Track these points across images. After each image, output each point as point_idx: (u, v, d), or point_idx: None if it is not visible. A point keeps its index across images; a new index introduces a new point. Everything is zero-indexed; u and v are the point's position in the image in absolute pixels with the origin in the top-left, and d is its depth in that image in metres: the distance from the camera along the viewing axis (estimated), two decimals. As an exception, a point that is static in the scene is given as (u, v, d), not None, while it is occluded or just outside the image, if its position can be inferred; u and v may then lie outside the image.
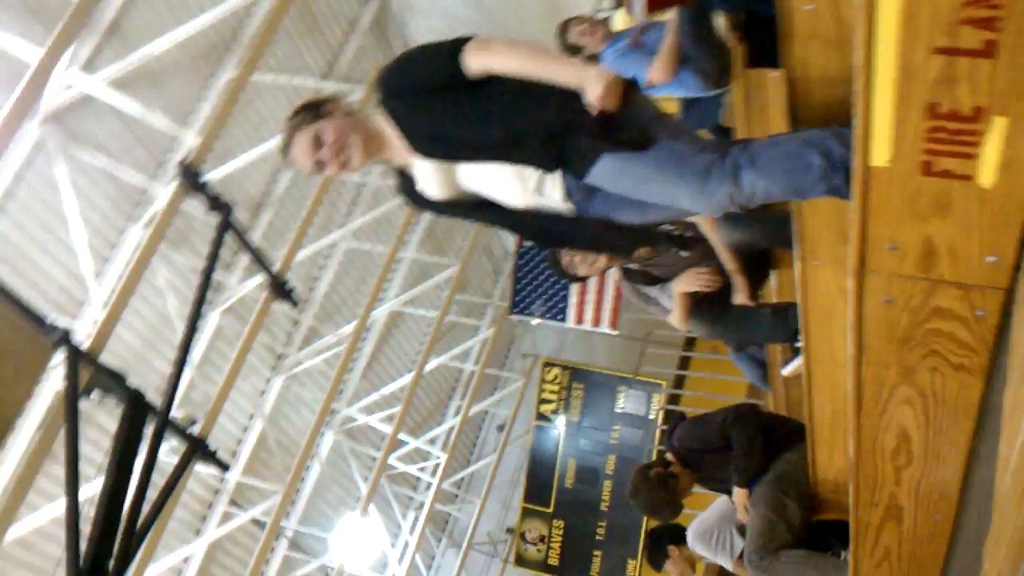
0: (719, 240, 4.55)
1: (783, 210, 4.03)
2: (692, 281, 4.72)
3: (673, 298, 4.88)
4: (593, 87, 2.53)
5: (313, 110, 2.80)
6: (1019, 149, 1.69)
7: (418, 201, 2.94)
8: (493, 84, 2.64)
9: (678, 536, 5.47)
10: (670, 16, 4.69)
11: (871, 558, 3.41)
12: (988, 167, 1.74)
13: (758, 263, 4.76)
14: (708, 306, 4.79)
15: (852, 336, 2.38)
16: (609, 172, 2.61)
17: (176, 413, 6.45)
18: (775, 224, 4.15)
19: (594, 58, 5.24)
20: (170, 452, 7.11)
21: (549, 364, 11.64)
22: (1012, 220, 1.83)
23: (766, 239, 4.41)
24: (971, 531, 2.73)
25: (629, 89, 2.58)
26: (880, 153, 1.80)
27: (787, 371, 4.53)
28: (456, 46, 2.65)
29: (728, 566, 5.23)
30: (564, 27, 5.34)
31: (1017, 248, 1.89)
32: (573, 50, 5.33)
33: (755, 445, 4.59)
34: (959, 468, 2.68)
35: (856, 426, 2.75)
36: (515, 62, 2.61)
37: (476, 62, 2.62)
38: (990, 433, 2.34)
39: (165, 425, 5.95)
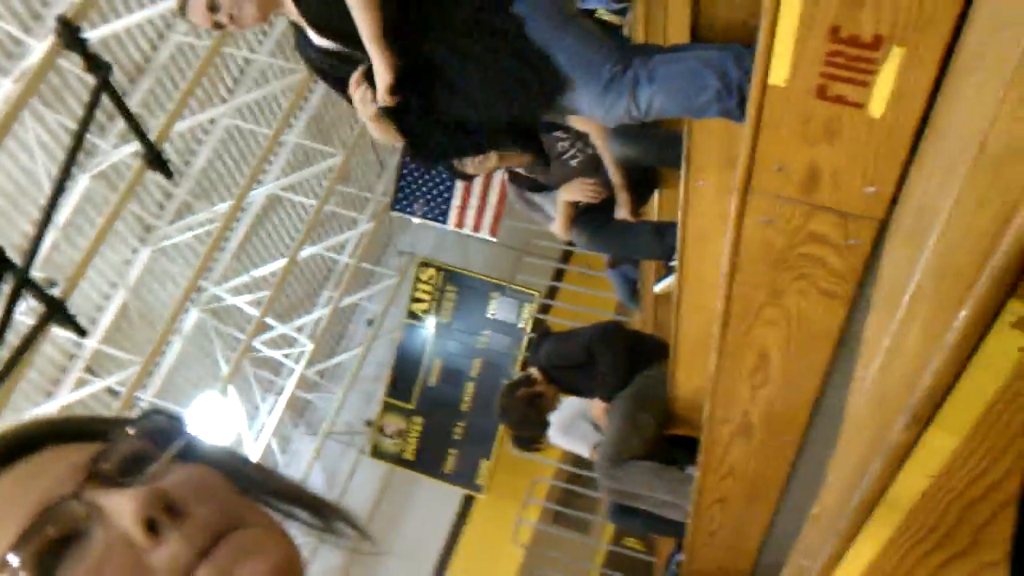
0: (608, 154, 4.58)
1: (675, 129, 4.08)
2: (577, 191, 4.76)
3: (557, 206, 4.91)
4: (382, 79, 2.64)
5: None
6: (911, 82, 1.73)
7: (313, 58, 2.88)
8: None
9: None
10: None
11: (717, 472, 3.55)
12: (880, 97, 1.78)
13: (644, 180, 4.81)
14: (590, 217, 4.85)
15: (727, 254, 2.44)
16: None
17: (37, 274, 6.22)
18: (666, 142, 4.19)
19: None
20: (28, 313, 6.88)
21: (425, 264, 11.63)
22: (896, 153, 1.88)
23: (655, 157, 4.46)
24: (817, 451, 2.87)
25: None
26: (779, 72, 1.83)
27: (659, 288, 4.63)
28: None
29: (585, 455, 5.40)
30: None
31: (897, 181, 1.95)
32: None
33: (619, 362, 4.71)
34: (813, 391, 2.80)
35: (720, 343, 2.83)
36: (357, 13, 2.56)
37: None
38: (847, 359, 2.44)
39: (24, 284, 5.73)
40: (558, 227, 4.97)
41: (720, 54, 2.53)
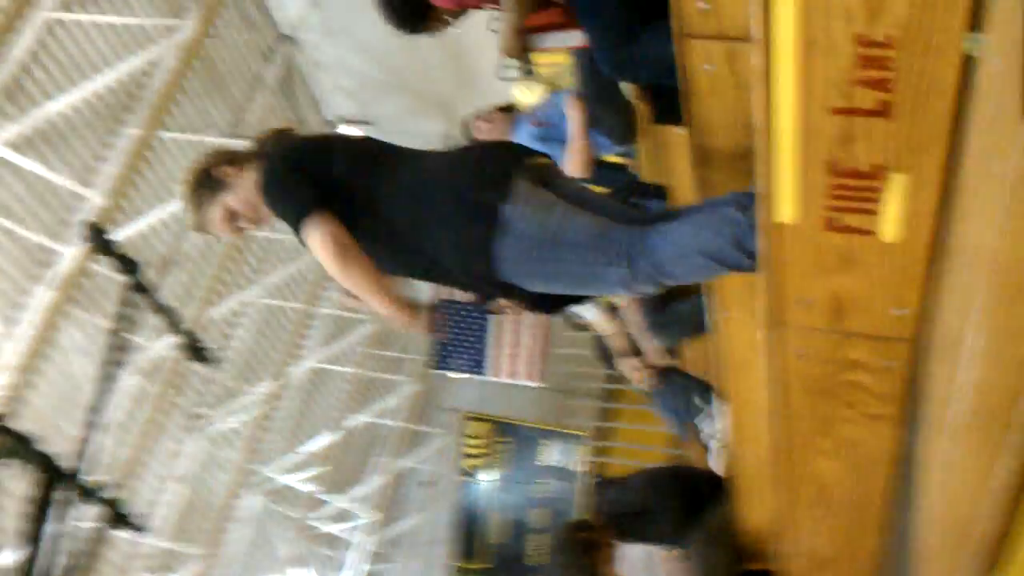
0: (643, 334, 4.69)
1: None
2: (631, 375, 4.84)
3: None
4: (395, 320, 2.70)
5: (208, 182, 2.79)
6: (917, 204, 1.71)
7: None
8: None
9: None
10: (566, 95, 4.81)
11: (798, 609, 3.42)
12: (889, 222, 1.76)
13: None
14: None
15: (769, 391, 2.39)
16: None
17: (90, 478, 6.24)
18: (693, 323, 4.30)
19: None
20: (85, 519, 6.86)
21: (471, 418, 11.55)
22: (915, 273, 1.85)
23: (701, 332, 4.49)
24: (892, 579, 2.75)
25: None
26: (785, 210, 1.82)
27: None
28: (298, 216, 2.58)
29: None
30: (466, 127, 5.47)
31: (920, 300, 1.91)
32: None
33: (674, 513, 4.60)
34: (879, 518, 2.70)
35: (775, 478, 2.76)
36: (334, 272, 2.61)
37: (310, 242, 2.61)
38: (909, 483, 2.35)
39: (78, 490, 5.74)
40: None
41: (723, 209, 2.48)
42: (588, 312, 5.31)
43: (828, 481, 2.69)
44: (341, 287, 2.73)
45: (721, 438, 4.42)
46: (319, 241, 2.54)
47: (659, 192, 4.45)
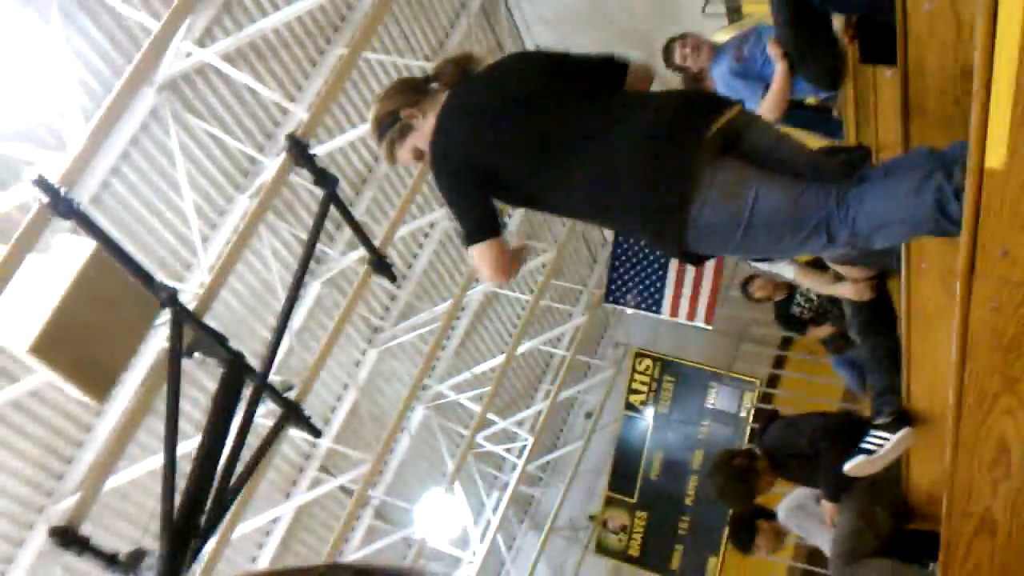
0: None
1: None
2: (851, 291, 4.69)
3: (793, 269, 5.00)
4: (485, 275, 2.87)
5: (396, 125, 2.89)
6: None
7: None
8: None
9: (766, 513, 5.40)
10: (769, 34, 4.69)
11: (960, 571, 3.34)
12: (1108, 175, 1.69)
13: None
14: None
15: (956, 342, 2.33)
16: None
17: (274, 378, 6.60)
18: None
19: (702, 75, 5.25)
20: (266, 415, 7.29)
21: (641, 355, 11.60)
22: None
23: (873, 260, 4.36)
24: (1067, 550, 2.66)
25: None
26: (996, 156, 1.76)
27: (848, 467, 4.38)
28: (468, 238, 2.81)
29: (823, 544, 5.14)
30: (668, 49, 5.39)
31: None
32: (679, 70, 5.38)
33: (842, 461, 4.47)
34: (1059, 484, 2.61)
35: (954, 435, 2.69)
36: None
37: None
38: (1094, 450, 2.27)
39: (263, 388, 6.10)
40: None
41: (924, 172, 2.38)
42: (787, 271, 5.23)
43: (1010, 442, 2.61)
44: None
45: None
46: (480, 263, 2.80)
47: (860, 152, 4.32)
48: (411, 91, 2.93)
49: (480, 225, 2.76)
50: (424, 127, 2.86)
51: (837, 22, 4.29)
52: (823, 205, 2.41)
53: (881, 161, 3.04)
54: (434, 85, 2.94)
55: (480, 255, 2.76)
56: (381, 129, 2.94)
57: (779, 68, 4.62)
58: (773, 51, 4.62)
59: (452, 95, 2.84)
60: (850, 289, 4.56)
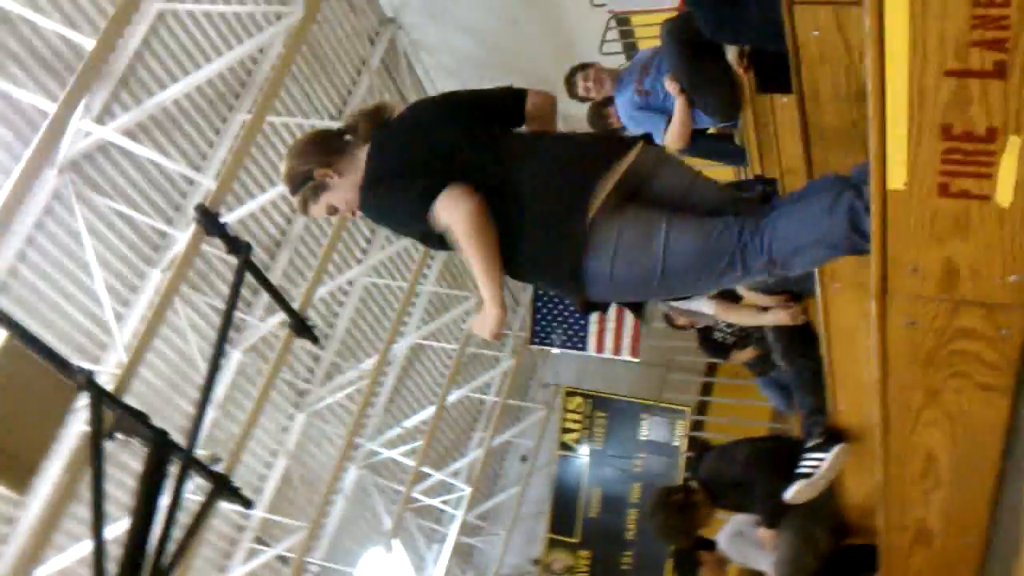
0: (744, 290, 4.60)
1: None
2: (785, 317, 4.72)
3: (713, 306, 5.00)
4: (483, 326, 2.63)
5: (309, 183, 2.83)
6: (1036, 167, 1.69)
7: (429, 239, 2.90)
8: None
9: (707, 544, 5.40)
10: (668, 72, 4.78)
11: (901, 582, 3.38)
12: (1005, 186, 1.73)
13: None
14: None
15: (876, 359, 2.37)
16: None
17: (200, 452, 6.47)
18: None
19: (610, 101, 5.31)
20: (195, 490, 7.12)
21: (571, 393, 11.61)
22: (1032, 238, 1.83)
23: (788, 285, 4.41)
24: (1002, 551, 2.71)
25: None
26: (896, 176, 1.80)
27: (788, 495, 4.42)
28: (423, 194, 2.55)
29: (766, 568, 5.15)
30: (571, 79, 5.45)
31: (1038, 266, 1.89)
32: (582, 100, 5.44)
33: (777, 487, 4.50)
34: (988, 489, 2.66)
35: (883, 449, 2.74)
36: (460, 242, 2.54)
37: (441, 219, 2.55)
38: (1018, 452, 2.32)
39: (189, 464, 5.96)
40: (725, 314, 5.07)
41: (834, 193, 2.40)
42: (706, 307, 5.27)
43: (936, 453, 2.66)
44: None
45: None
46: (452, 202, 2.50)
47: (766, 183, 4.40)
48: (323, 148, 2.87)
49: (429, 186, 2.54)
50: (339, 185, 2.82)
51: (731, 53, 4.38)
52: (736, 238, 2.42)
53: (788, 191, 3.08)
54: (348, 138, 2.90)
55: (446, 203, 2.51)
56: (294, 186, 2.89)
57: (678, 103, 4.71)
58: (670, 88, 4.70)
59: (377, 139, 2.80)
60: (785, 315, 4.61)
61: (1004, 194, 1.75)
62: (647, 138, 2.62)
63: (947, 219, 1.86)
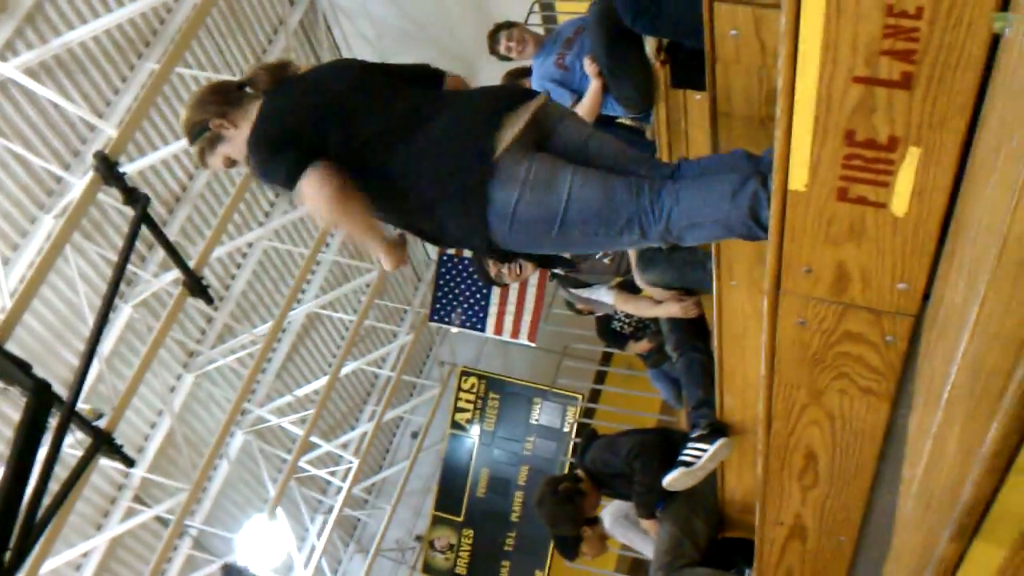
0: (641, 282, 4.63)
1: (699, 251, 4.13)
2: (677, 309, 4.76)
3: (612, 295, 5.04)
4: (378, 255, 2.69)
5: (206, 134, 2.81)
6: (931, 180, 1.73)
7: None
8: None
9: (590, 520, 5.46)
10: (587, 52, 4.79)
11: (774, 575, 3.46)
12: (901, 196, 1.78)
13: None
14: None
15: (764, 356, 2.42)
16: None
17: (83, 406, 6.29)
18: (688, 264, 4.25)
19: (527, 72, 5.30)
20: (75, 445, 6.93)
21: (466, 373, 11.61)
22: (923, 248, 1.87)
23: (685, 281, 4.47)
24: (873, 553, 2.79)
25: None
26: (798, 177, 1.83)
27: (667, 481, 4.49)
28: (290, 173, 2.57)
29: (648, 553, 5.24)
30: (494, 35, 5.40)
31: (927, 276, 1.94)
32: (502, 58, 5.40)
33: (657, 479, 4.58)
34: (864, 490, 2.74)
35: (765, 445, 2.79)
36: (331, 225, 2.66)
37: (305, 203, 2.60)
38: (894, 457, 2.39)
39: (70, 417, 5.79)
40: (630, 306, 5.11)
41: (741, 176, 2.44)
42: (604, 296, 5.32)
43: (816, 452, 2.72)
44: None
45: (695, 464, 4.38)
46: (313, 189, 2.54)
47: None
48: (221, 99, 2.84)
49: (299, 160, 2.56)
50: (235, 137, 2.79)
51: (649, 46, 4.41)
52: (636, 201, 2.45)
53: (697, 157, 3.11)
54: (248, 90, 2.86)
55: (307, 190, 2.54)
56: (191, 137, 2.86)
57: (593, 85, 4.72)
58: (589, 69, 4.71)
59: (270, 97, 2.77)
60: (677, 308, 4.67)
61: (900, 203, 1.79)
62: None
63: (843, 223, 1.90)
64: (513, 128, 2.50)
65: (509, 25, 5.41)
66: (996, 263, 1.23)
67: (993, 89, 1.52)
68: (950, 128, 1.63)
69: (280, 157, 2.60)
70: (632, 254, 4.55)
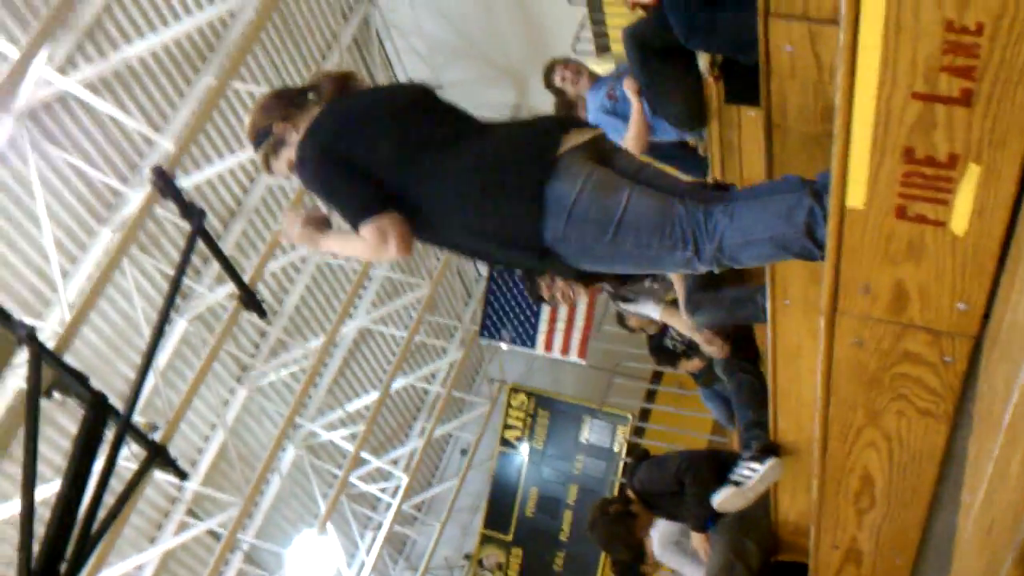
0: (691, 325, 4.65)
1: (744, 287, 4.13)
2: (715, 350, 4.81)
3: (659, 310, 5.06)
4: (370, 251, 2.61)
5: (269, 138, 2.83)
6: (991, 197, 1.70)
7: None
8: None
9: (644, 555, 5.43)
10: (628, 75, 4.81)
11: (829, 600, 3.41)
12: (961, 214, 1.74)
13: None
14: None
15: (820, 377, 2.38)
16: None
17: (138, 419, 6.38)
18: (741, 304, 4.24)
19: (577, 102, 5.33)
20: (130, 458, 7.02)
21: (516, 390, 11.61)
22: (983, 268, 1.84)
23: (737, 319, 4.45)
24: (929, 577, 2.74)
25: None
26: (856, 195, 1.81)
27: (716, 501, 4.46)
28: (355, 216, 2.61)
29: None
30: (550, 69, 5.46)
31: (987, 296, 1.90)
32: (557, 92, 5.45)
33: (707, 494, 4.54)
34: (921, 513, 2.68)
35: (821, 467, 2.75)
36: (357, 252, 2.65)
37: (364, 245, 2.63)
38: (953, 480, 2.34)
39: (126, 430, 5.87)
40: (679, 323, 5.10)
41: (797, 195, 2.42)
42: (652, 311, 5.30)
43: (873, 474, 2.68)
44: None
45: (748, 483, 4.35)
46: (378, 239, 2.56)
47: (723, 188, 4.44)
48: (285, 103, 2.87)
49: (368, 200, 2.60)
50: (298, 141, 2.81)
51: (702, 61, 4.39)
52: (691, 216, 2.43)
53: (749, 184, 3.10)
54: (311, 96, 2.88)
55: (376, 230, 2.56)
56: (256, 142, 2.88)
57: (634, 105, 4.73)
58: (628, 87, 4.72)
59: (330, 104, 2.80)
60: (711, 349, 4.70)
61: (959, 222, 1.76)
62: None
63: (902, 242, 1.87)
64: (577, 139, 2.51)
65: (565, 59, 5.49)
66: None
67: (1056, 106, 1.49)
68: (1011, 146, 1.60)
69: (348, 186, 2.63)
70: (681, 297, 4.54)
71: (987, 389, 1.95)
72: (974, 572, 1.77)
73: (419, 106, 2.74)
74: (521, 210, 2.49)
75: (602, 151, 2.62)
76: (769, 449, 4.24)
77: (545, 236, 2.50)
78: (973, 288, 1.90)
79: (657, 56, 4.44)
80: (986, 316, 1.95)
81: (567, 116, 2.73)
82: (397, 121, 2.68)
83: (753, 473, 4.22)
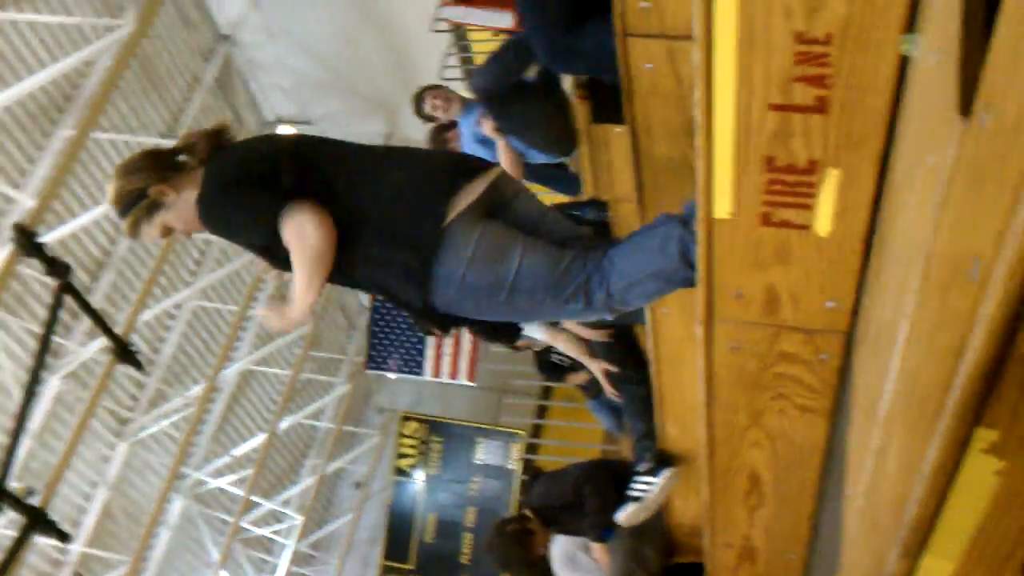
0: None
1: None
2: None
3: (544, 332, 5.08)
4: (281, 321, 2.60)
5: (143, 202, 2.68)
6: (852, 199, 1.77)
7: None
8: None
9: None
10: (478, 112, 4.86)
11: (727, 599, 3.47)
12: (824, 217, 1.81)
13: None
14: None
15: (702, 382, 2.44)
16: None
17: (14, 484, 6.11)
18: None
19: (452, 126, 5.35)
20: (8, 525, 6.72)
21: (407, 418, 11.51)
22: (849, 266, 1.91)
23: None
24: (823, 570, 2.81)
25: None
26: (722, 206, 1.86)
27: (620, 517, 4.52)
28: (273, 211, 2.48)
29: None
30: (420, 96, 5.46)
31: (855, 293, 1.97)
32: (428, 119, 5.46)
33: (606, 502, 4.60)
34: (809, 508, 2.76)
35: (709, 469, 2.81)
36: (296, 258, 2.49)
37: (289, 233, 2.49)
38: (837, 474, 2.42)
39: (1, 497, 5.62)
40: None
41: (666, 228, 2.46)
42: (536, 332, 5.33)
43: (760, 472, 2.75)
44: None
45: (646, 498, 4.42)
46: (305, 225, 2.43)
47: (599, 205, 4.51)
48: (159, 166, 2.72)
49: (276, 198, 2.47)
50: (177, 203, 2.68)
51: (567, 83, 4.46)
52: (581, 270, 2.47)
53: (621, 218, 3.16)
54: (184, 158, 2.76)
55: (299, 220, 2.43)
56: (124, 207, 2.72)
57: (499, 144, 4.78)
58: (486, 130, 4.77)
59: (214, 161, 2.69)
60: (596, 370, 4.77)
61: (823, 224, 1.83)
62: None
63: (769, 247, 1.93)
64: (468, 196, 2.48)
65: (434, 87, 5.50)
66: (923, 280, 1.26)
67: (905, 109, 1.56)
68: (867, 148, 1.67)
69: (257, 191, 2.51)
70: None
71: (862, 383, 2.02)
72: (863, 565, 1.82)
73: (308, 141, 2.72)
74: (410, 277, 2.49)
75: (500, 197, 2.60)
76: (664, 460, 4.31)
77: (436, 303, 2.51)
78: (841, 286, 1.97)
79: (511, 96, 4.51)
80: (855, 311, 2.03)
81: (461, 162, 2.65)
82: (297, 153, 2.61)
83: (651, 487, 4.30)
